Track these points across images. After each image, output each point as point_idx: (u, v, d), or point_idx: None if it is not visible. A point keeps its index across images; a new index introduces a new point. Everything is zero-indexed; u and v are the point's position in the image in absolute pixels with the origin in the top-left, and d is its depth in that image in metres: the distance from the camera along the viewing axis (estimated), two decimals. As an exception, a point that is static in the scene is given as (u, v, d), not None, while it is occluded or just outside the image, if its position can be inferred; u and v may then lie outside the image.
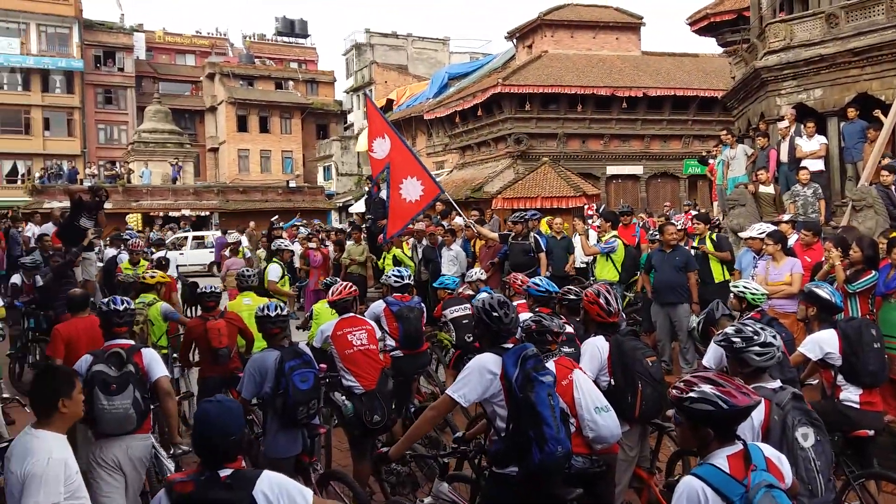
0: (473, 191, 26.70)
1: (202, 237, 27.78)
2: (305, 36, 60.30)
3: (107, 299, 4.97)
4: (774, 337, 3.42)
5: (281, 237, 14.33)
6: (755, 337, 3.37)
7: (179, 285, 11.99)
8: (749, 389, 2.64)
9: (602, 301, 4.57)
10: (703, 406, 2.57)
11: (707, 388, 2.58)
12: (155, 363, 4.63)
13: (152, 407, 4.67)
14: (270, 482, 2.67)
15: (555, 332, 4.17)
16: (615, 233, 9.55)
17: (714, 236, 9.04)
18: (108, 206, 29.78)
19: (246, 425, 3.53)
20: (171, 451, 4.69)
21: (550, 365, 3.84)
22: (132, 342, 4.81)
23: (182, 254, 24.10)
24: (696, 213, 12.15)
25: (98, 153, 46.61)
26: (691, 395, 2.60)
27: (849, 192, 10.37)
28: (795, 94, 12.32)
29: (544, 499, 3.51)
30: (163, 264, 10.17)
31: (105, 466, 4.31)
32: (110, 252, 11.58)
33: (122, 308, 4.77)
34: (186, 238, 27.15)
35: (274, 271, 9.58)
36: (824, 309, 4.86)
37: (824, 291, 4.85)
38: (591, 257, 10.36)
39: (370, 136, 10.19)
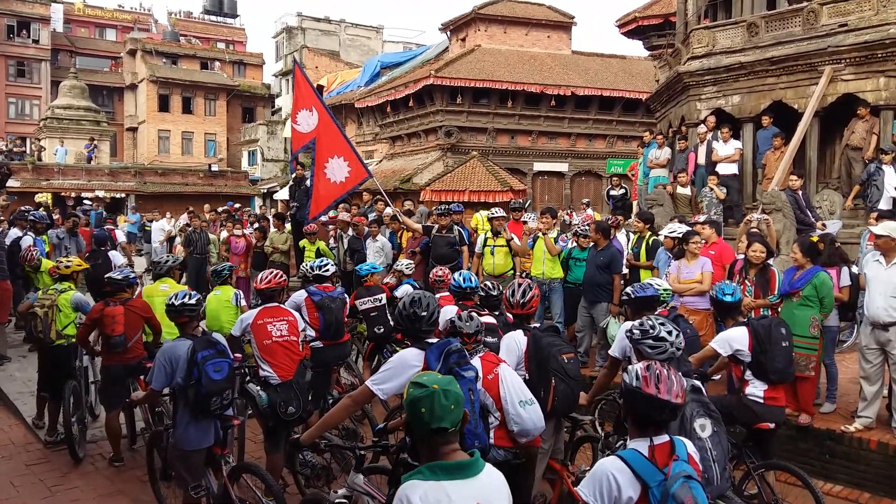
0: (402, 181, 26.61)
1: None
2: (234, 16, 58.74)
3: None
4: (670, 333, 3.61)
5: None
6: (651, 331, 3.64)
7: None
8: (681, 394, 2.64)
9: (508, 292, 4.81)
10: (625, 376, 2.71)
11: (639, 366, 2.69)
12: None
13: None
14: None
15: (466, 333, 4.02)
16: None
17: (651, 240, 8.80)
18: (15, 184, 28.39)
19: None
20: None
21: (476, 361, 3.83)
22: None
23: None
24: (639, 211, 11.84)
25: (7, 128, 44.21)
26: (631, 367, 2.71)
27: (759, 196, 10.82)
28: (715, 100, 12.77)
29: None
30: None
31: None
32: (14, 233, 10.74)
33: None
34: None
35: None
36: (721, 310, 5.16)
37: (726, 296, 5.07)
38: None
39: (295, 107, 9.52)
